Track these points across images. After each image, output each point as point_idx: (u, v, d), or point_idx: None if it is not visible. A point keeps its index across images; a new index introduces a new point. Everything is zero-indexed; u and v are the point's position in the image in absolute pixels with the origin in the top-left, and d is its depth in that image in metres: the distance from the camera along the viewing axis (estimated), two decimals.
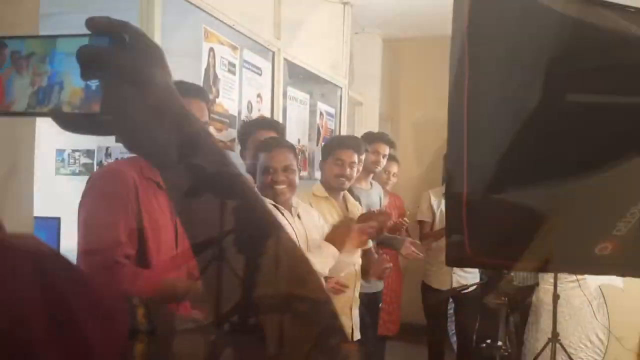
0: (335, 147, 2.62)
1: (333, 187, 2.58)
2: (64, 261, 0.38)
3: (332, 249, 2.00)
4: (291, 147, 2.09)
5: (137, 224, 1.57)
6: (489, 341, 2.37)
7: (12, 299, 0.34)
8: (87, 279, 0.38)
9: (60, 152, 5.55)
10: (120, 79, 0.44)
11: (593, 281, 3.85)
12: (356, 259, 2.16)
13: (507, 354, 2.30)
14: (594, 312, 4.02)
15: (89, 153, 5.17)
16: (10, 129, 1.44)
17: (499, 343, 2.35)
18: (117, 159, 4.83)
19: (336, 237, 2.13)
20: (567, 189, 1.19)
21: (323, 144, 2.95)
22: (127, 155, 1.99)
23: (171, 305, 1.65)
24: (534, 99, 1.15)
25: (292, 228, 2.03)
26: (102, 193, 1.58)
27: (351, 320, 2.58)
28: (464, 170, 1.22)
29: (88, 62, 0.44)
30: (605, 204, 1.17)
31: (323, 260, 1.99)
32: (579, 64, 1.09)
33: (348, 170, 2.55)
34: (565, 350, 3.76)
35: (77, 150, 5.49)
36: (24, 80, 0.47)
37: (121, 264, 1.51)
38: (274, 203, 1.99)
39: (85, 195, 1.60)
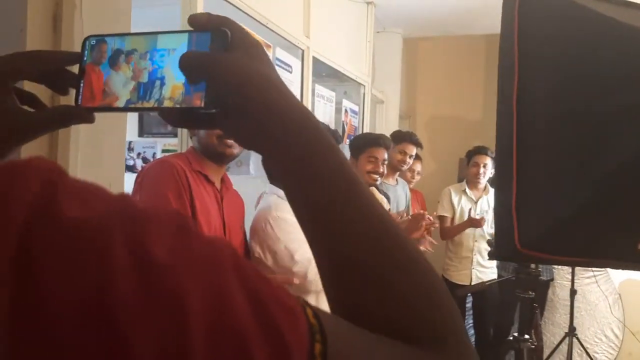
0: (368, 144, 2.69)
1: (365, 182, 2.66)
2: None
3: None
4: None
5: (191, 210, 1.64)
6: (515, 334, 2.44)
7: None
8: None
9: None
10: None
11: (615, 277, 3.91)
12: None
13: (534, 346, 2.37)
14: (610, 307, 4.08)
15: None
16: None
17: (526, 336, 2.42)
18: (138, 153, 4.92)
19: None
20: (615, 188, 1.24)
21: (350, 141, 3.02)
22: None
23: None
24: (585, 102, 1.21)
25: None
26: (155, 181, 1.65)
27: None
28: (513, 162, 1.28)
29: (191, 69, 0.43)
30: None
31: None
32: (624, 66, 1.14)
33: (381, 167, 2.65)
34: (582, 345, 3.83)
35: None
36: (124, 77, 0.47)
37: None
38: None
39: (136, 187, 1.67)
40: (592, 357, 3.88)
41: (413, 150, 3.37)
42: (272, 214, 1.90)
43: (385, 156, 2.71)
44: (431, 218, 3.31)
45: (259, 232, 1.89)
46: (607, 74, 1.16)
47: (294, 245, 1.82)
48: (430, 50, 5.44)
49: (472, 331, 4.13)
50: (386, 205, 2.84)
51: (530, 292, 2.45)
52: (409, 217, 2.71)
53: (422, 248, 3.12)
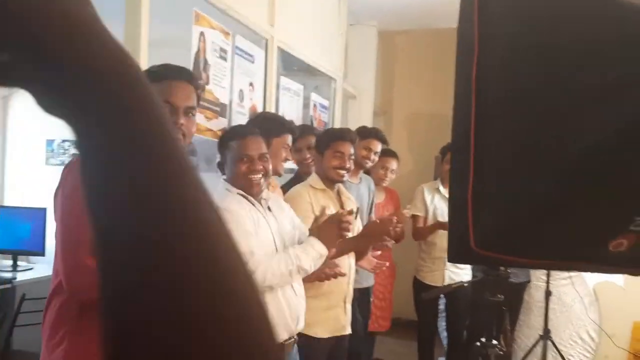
0: (333, 139, 2.56)
1: (331, 178, 2.53)
2: None
3: (321, 248, 1.91)
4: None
5: None
6: (483, 339, 2.31)
7: None
8: None
9: (50, 142, 5.46)
10: None
11: (590, 279, 3.82)
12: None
13: (502, 352, 2.24)
14: (586, 309, 3.99)
15: None
16: None
17: (494, 342, 2.29)
18: None
19: (327, 232, 2.05)
20: (581, 179, 1.11)
21: (316, 137, 2.88)
22: None
23: None
24: (547, 81, 1.08)
25: (266, 221, 1.96)
26: (75, 186, 1.49)
27: (345, 314, 2.53)
28: (470, 159, 1.14)
29: None
30: (623, 196, 1.09)
31: (312, 259, 1.91)
32: (594, 40, 1.01)
33: (347, 162, 2.52)
34: (556, 347, 3.74)
35: (67, 140, 5.41)
36: None
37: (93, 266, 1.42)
38: (244, 194, 1.93)
39: (58, 189, 1.50)
40: None
41: (378, 147, 3.24)
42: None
43: (352, 151, 2.58)
44: (395, 219, 3.17)
45: None
46: (571, 51, 1.03)
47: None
48: (407, 44, 5.31)
49: (444, 333, 4.02)
50: (354, 202, 2.70)
51: (499, 296, 2.33)
52: (375, 219, 2.58)
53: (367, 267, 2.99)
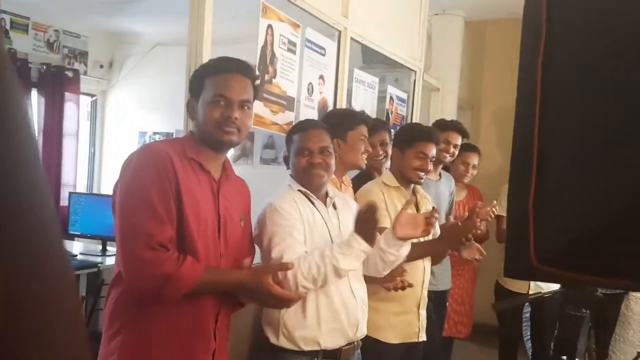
0: (417, 138, 2.43)
1: (409, 179, 2.41)
2: None
3: (363, 245, 1.77)
4: (327, 129, 1.95)
5: (177, 204, 1.48)
6: (564, 358, 2.10)
7: None
8: None
9: (142, 133, 5.77)
10: None
11: None
12: (404, 252, 1.95)
13: None
14: None
15: (168, 135, 5.31)
16: None
17: None
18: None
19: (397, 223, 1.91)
20: None
21: (396, 131, 2.75)
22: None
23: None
24: (625, 74, 0.91)
25: (324, 220, 1.88)
26: (136, 169, 1.51)
27: (418, 320, 2.41)
28: (532, 162, 1.00)
29: None
30: None
31: (351, 259, 1.76)
32: None
33: (429, 164, 2.40)
34: None
35: (158, 133, 5.68)
36: None
37: (165, 248, 1.44)
38: (304, 190, 1.88)
39: (120, 175, 1.53)
40: None
41: (458, 140, 3.07)
42: (272, 203, 1.84)
43: (434, 152, 2.45)
44: (477, 220, 2.95)
45: (259, 218, 1.87)
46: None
47: (276, 239, 1.79)
48: (496, 34, 4.99)
49: (529, 344, 3.75)
50: (430, 201, 2.55)
51: (583, 310, 2.10)
52: (455, 220, 2.38)
53: (469, 257, 2.79)
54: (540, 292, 3.26)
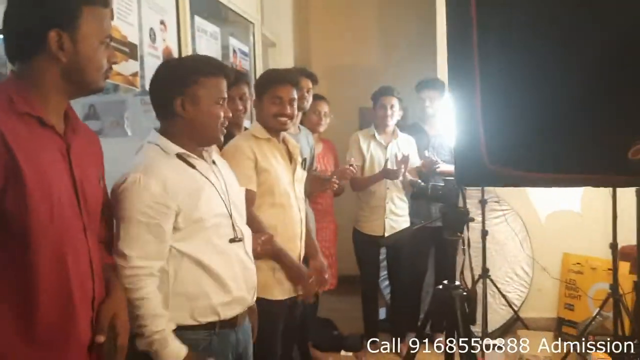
0: (272, 82, 2.27)
1: (272, 127, 2.24)
2: None
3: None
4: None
5: (15, 179, 1.13)
6: (445, 282, 2.17)
7: None
8: None
9: None
10: None
11: (544, 209, 3.83)
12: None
13: (465, 293, 2.12)
14: (520, 244, 4.05)
15: None
16: None
17: (457, 282, 2.16)
18: None
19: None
20: (596, 85, 0.96)
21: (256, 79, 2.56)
22: None
23: None
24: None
25: (211, 182, 1.62)
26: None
27: None
28: (474, 65, 0.95)
29: None
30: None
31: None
32: None
33: (288, 108, 2.23)
34: (495, 285, 3.76)
35: None
36: None
37: None
38: (184, 152, 1.58)
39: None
40: (505, 296, 3.84)
41: (309, 84, 3.01)
42: (136, 179, 1.49)
43: (294, 95, 2.29)
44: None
45: (113, 194, 1.52)
46: None
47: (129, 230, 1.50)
48: None
49: (386, 282, 3.92)
50: (301, 153, 2.42)
51: (458, 234, 2.20)
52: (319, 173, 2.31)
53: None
54: (395, 231, 3.41)
